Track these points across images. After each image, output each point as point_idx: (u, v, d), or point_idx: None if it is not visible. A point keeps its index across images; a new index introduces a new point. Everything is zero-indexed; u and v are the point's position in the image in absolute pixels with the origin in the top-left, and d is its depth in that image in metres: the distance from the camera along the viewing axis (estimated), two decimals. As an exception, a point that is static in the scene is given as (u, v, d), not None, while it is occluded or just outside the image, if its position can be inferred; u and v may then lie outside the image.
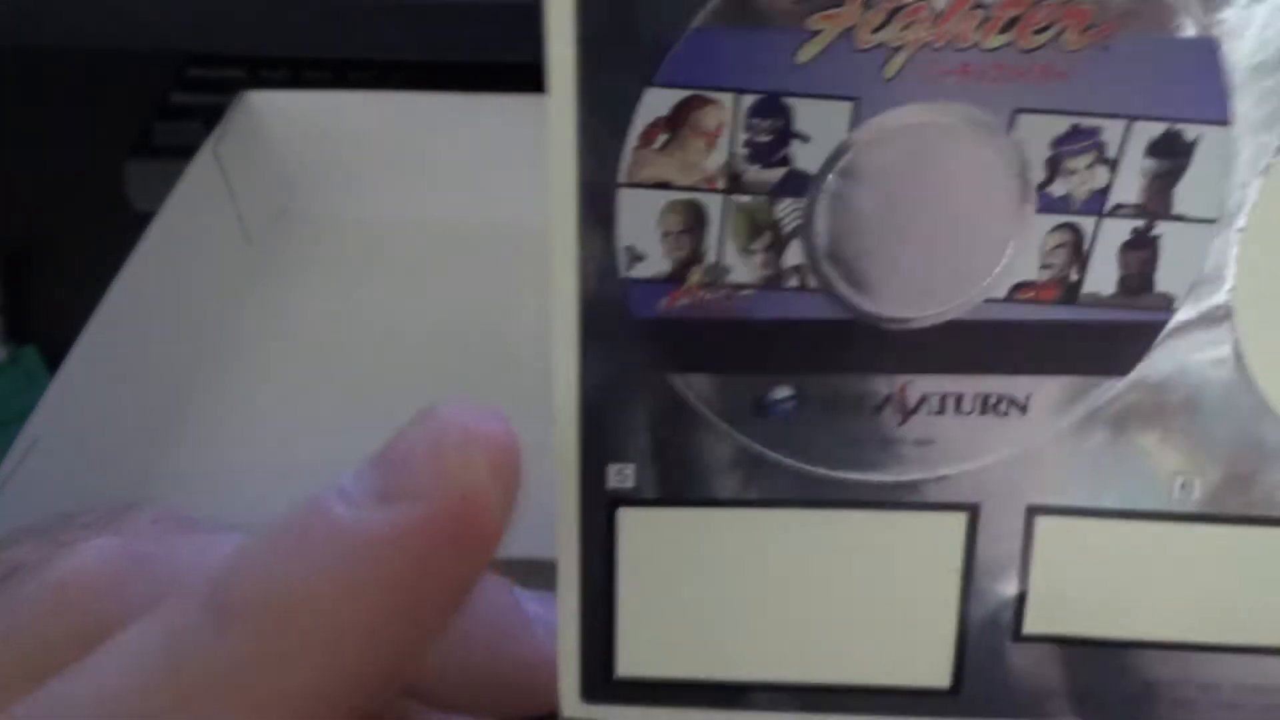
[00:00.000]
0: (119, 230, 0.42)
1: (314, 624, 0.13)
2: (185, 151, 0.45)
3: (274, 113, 0.48)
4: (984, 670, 0.16)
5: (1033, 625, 0.15)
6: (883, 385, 0.15)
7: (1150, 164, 0.13)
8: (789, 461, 0.15)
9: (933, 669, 0.16)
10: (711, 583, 0.16)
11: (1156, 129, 0.13)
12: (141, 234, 0.41)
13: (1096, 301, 0.14)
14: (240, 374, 0.44)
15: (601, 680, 0.16)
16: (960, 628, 0.15)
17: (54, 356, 0.50)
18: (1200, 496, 0.15)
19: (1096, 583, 0.15)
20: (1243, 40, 0.13)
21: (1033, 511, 0.15)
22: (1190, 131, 0.13)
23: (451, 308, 0.44)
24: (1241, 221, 0.13)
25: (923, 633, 0.16)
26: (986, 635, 0.15)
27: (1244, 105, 0.13)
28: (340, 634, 0.13)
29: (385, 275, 0.47)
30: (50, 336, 0.52)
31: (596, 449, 0.15)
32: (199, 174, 0.44)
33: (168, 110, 0.51)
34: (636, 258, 0.14)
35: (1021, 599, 0.15)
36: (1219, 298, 0.14)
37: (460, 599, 0.14)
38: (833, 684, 0.16)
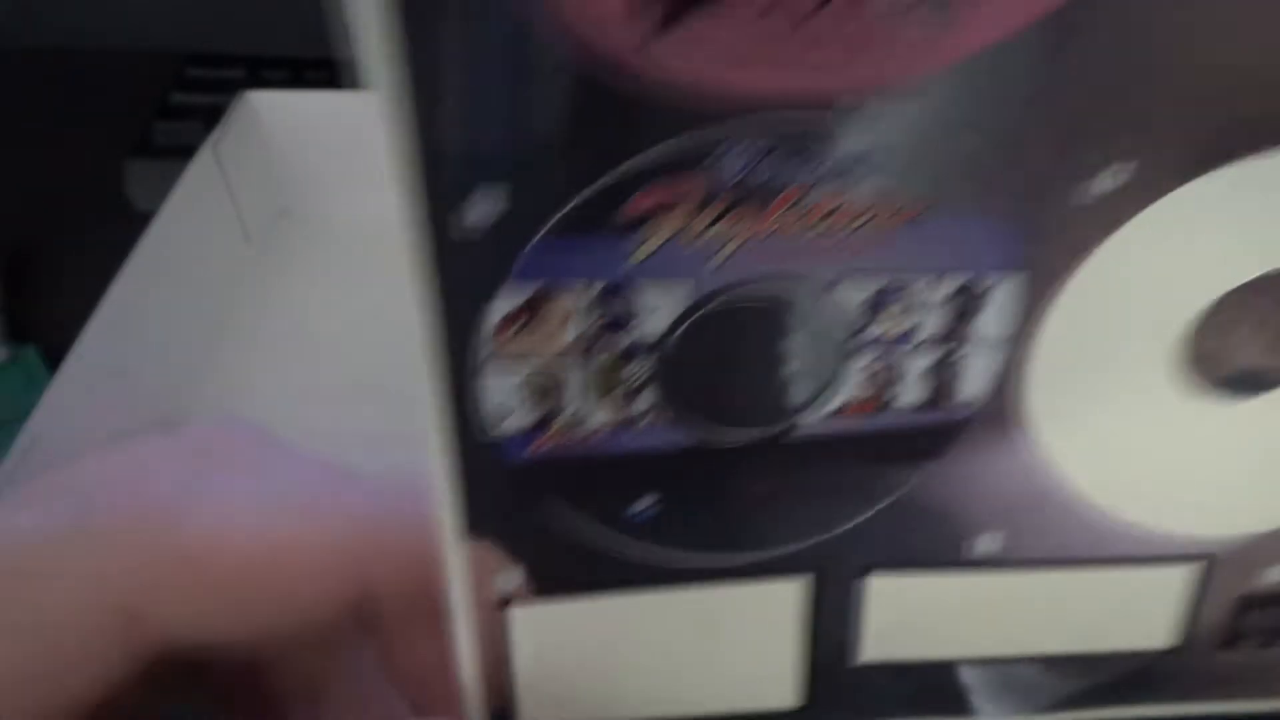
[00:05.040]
0: (119, 230, 0.42)
1: None
2: (185, 151, 0.45)
3: (274, 113, 0.48)
4: (830, 690, 0.19)
5: (868, 655, 0.19)
6: (732, 488, 0.17)
7: (952, 307, 0.16)
8: (655, 552, 0.17)
9: (787, 694, 0.19)
10: (593, 650, 0.18)
11: (958, 280, 0.16)
12: (141, 234, 0.41)
13: (910, 409, 0.17)
14: (239, 374, 0.44)
15: None
16: (810, 660, 0.19)
17: (54, 356, 0.50)
18: (1001, 548, 0.18)
19: (920, 618, 0.19)
20: (1032, 208, 0.15)
21: (865, 569, 0.18)
22: (987, 279, 0.16)
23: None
24: (1030, 340, 0.16)
25: (778, 667, 0.19)
26: (831, 664, 0.19)
27: (1031, 255, 0.15)
28: None
29: (385, 275, 0.47)
30: (50, 336, 0.52)
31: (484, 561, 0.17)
32: (199, 174, 0.44)
33: (168, 110, 0.51)
34: (504, 415, 0.16)
35: (858, 635, 0.19)
36: (1011, 397, 0.17)
37: None
38: (703, 714, 0.19)
